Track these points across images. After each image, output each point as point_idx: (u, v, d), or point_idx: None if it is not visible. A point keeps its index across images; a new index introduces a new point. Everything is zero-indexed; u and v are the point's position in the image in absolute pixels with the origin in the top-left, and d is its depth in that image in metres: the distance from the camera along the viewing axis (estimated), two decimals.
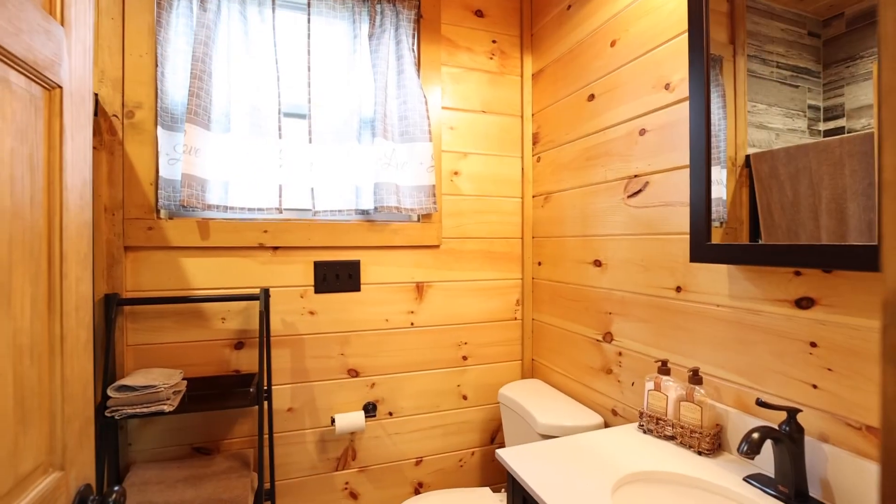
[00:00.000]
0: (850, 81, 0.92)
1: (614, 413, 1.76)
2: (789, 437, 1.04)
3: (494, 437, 2.28)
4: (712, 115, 1.25)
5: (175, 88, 1.72)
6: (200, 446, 1.81)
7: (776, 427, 1.07)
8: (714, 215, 1.25)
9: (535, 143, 2.29)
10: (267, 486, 1.90)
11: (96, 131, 1.63)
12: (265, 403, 1.89)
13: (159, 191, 1.70)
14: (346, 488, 2.03)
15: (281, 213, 1.83)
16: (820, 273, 1.08)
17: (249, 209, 1.78)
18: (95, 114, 1.62)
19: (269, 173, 1.80)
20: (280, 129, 1.81)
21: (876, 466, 0.96)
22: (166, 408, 1.52)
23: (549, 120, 2.18)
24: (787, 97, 1.04)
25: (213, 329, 1.81)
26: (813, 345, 1.09)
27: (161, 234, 1.73)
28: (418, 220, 2.12)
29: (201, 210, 1.74)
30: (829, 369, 1.06)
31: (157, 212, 1.74)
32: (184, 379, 1.74)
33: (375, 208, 1.92)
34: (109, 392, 1.49)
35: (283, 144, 1.86)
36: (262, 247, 1.87)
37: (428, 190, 2.02)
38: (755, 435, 1.01)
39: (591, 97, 1.88)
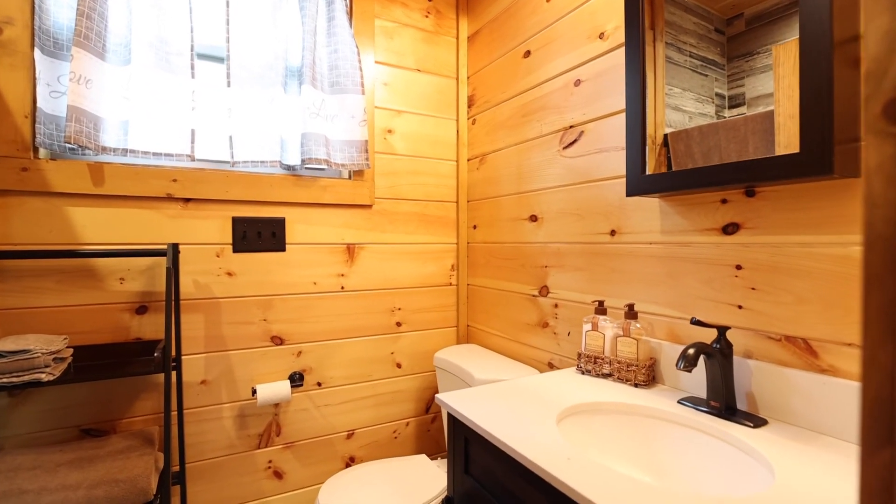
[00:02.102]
0: (749, 74, 1.02)
1: (550, 366, 1.73)
2: (721, 353, 1.07)
3: (430, 406, 2.20)
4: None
5: (59, 8, 1.51)
6: (91, 428, 1.58)
7: (709, 343, 1.08)
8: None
9: (470, 105, 2.25)
10: (176, 468, 1.71)
11: None
12: (173, 374, 1.70)
13: (38, 125, 1.47)
14: (269, 467, 1.87)
15: (193, 160, 1.66)
16: (743, 198, 1.11)
17: (155, 154, 1.59)
18: None
19: (179, 116, 1.62)
20: (193, 68, 1.64)
21: (795, 372, 1.01)
22: (44, 377, 1.30)
23: (484, 81, 2.14)
24: (698, 84, 1.13)
25: (110, 291, 1.60)
26: (738, 267, 1.13)
27: (40, 176, 1.50)
28: (349, 176, 2.01)
29: (94, 153, 1.54)
30: (753, 288, 1.10)
31: (35, 150, 1.51)
32: (70, 347, 1.52)
33: (303, 161, 1.79)
34: None
35: (197, 85, 1.69)
36: (170, 198, 1.68)
37: (360, 145, 1.92)
38: (691, 350, 1.01)
39: (527, 54, 1.86)
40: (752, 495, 0.74)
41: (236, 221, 1.78)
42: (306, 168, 1.90)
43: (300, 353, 1.92)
